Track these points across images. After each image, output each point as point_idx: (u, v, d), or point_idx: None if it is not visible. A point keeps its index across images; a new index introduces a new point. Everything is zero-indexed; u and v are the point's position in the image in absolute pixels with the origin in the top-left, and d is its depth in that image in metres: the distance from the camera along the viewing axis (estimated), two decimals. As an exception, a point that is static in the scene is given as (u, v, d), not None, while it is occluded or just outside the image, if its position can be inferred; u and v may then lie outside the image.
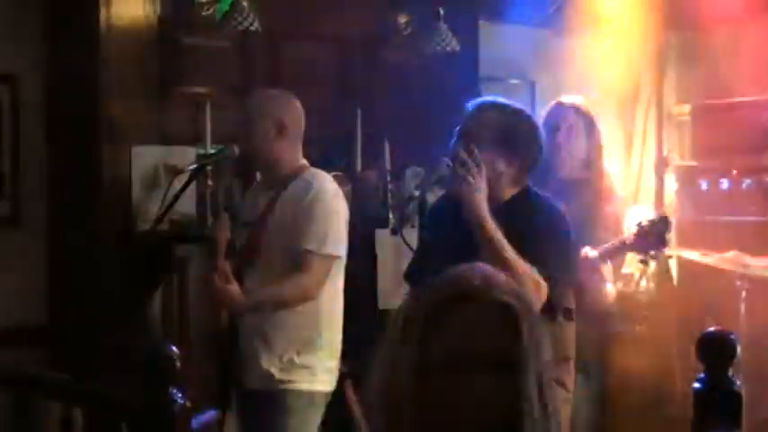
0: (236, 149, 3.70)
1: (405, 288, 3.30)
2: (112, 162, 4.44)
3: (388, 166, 5.16)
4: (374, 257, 4.89)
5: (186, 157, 4.34)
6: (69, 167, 4.54)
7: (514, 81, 5.83)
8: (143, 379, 2.50)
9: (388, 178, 5.14)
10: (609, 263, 3.98)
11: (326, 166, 3.75)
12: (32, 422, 3.46)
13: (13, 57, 4.53)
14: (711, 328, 2.47)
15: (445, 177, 3.03)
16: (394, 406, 1.56)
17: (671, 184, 5.62)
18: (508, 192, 3.06)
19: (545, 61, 5.67)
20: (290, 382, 3.44)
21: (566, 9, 5.33)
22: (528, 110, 3.21)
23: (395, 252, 4.50)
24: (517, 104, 3.15)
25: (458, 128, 3.08)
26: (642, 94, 5.98)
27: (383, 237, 4.85)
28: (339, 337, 3.57)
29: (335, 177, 3.76)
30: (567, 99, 4.07)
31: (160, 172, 4.47)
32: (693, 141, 5.52)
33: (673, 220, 4.26)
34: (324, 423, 3.54)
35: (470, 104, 3.11)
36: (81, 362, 4.25)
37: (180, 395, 2.46)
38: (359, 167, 5.23)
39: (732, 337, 2.42)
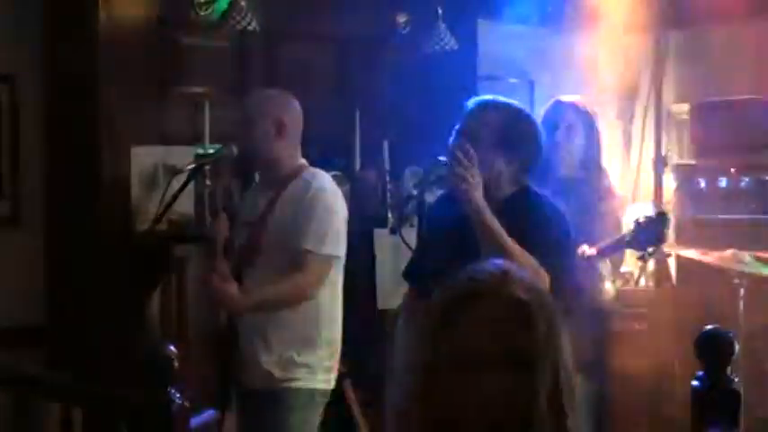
0: (235, 149, 3.70)
1: (404, 287, 3.31)
2: (112, 162, 4.44)
3: (386, 165, 5.16)
4: (373, 257, 4.89)
5: (185, 157, 4.34)
6: (69, 167, 4.53)
7: (513, 80, 5.82)
8: (142, 379, 2.50)
9: (387, 178, 5.14)
10: (608, 261, 3.99)
11: (325, 166, 3.75)
12: (32, 422, 3.46)
13: (13, 57, 4.53)
14: (710, 327, 2.47)
15: (444, 177, 3.03)
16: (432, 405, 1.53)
17: (670, 182, 5.61)
18: (508, 190, 3.05)
19: (544, 60, 5.68)
20: (289, 380, 3.44)
21: (565, 8, 5.33)
22: (527, 109, 3.21)
23: (394, 251, 4.50)
24: (516, 103, 3.14)
25: (457, 127, 3.08)
26: (641, 93, 5.98)
27: (382, 236, 4.85)
28: (338, 336, 3.56)
29: (334, 177, 3.76)
30: (566, 98, 4.07)
31: (159, 172, 4.47)
32: (692, 140, 5.51)
33: (671, 218, 4.26)
34: (324, 423, 3.54)
35: (469, 103, 3.11)
36: (80, 362, 4.25)
37: (178, 395, 2.47)
38: (358, 167, 5.23)
39: (730, 335, 2.43)
